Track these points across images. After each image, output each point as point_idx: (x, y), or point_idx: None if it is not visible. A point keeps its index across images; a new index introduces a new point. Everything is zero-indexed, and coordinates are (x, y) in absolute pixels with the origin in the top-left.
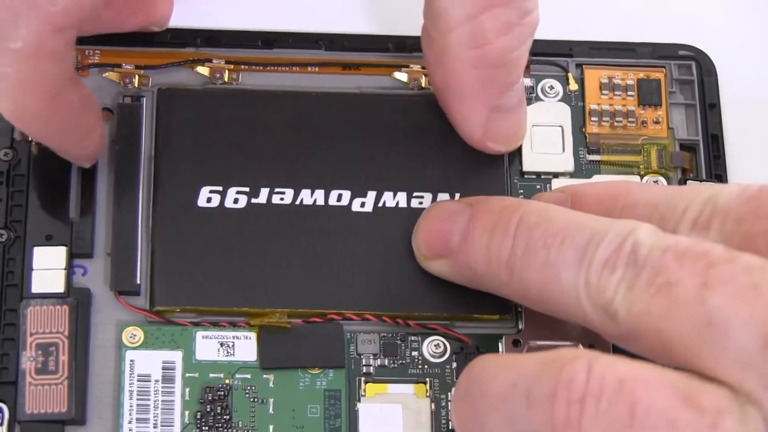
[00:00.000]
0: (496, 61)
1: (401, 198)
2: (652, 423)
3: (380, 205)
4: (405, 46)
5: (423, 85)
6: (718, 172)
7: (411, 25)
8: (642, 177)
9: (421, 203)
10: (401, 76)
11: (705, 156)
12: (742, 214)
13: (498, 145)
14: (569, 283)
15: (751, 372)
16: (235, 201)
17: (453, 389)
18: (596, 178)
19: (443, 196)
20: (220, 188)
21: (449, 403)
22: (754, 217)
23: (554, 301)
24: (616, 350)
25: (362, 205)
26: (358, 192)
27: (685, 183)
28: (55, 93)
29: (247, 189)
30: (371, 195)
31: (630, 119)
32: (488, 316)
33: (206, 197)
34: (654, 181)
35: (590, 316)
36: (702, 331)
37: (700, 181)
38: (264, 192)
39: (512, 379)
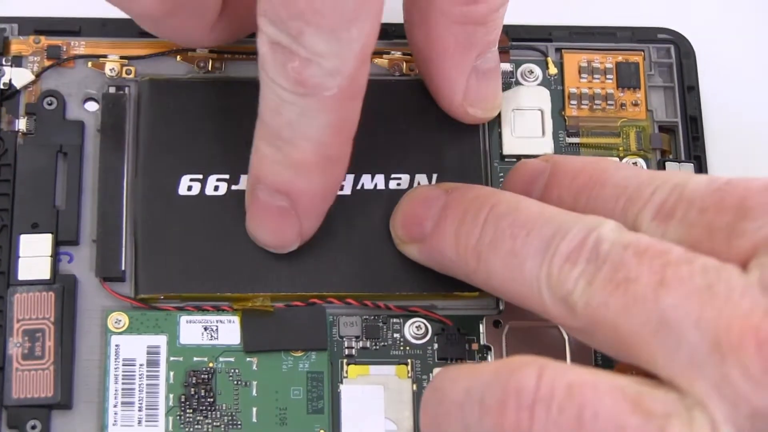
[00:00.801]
0: (480, 18)
1: (379, 180)
2: (601, 427)
3: (359, 187)
4: (387, 33)
5: (403, 71)
6: (696, 154)
7: (392, 13)
8: (621, 159)
9: (399, 185)
10: (382, 62)
11: (684, 138)
12: (706, 204)
13: (477, 110)
14: (531, 274)
15: (700, 374)
16: (216, 188)
17: None
18: None
19: (421, 178)
20: (200, 176)
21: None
22: (717, 209)
23: (516, 291)
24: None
25: (341, 188)
26: None
27: (664, 165)
28: None
29: (227, 176)
30: (350, 178)
31: (609, 102)
32: (468, 293)
33: (187, 185)
34: (633, 163)
35: (550, 307)
36: (655, 329)
37: (679, 162)
38: (244, 179)
39: (468, 387)
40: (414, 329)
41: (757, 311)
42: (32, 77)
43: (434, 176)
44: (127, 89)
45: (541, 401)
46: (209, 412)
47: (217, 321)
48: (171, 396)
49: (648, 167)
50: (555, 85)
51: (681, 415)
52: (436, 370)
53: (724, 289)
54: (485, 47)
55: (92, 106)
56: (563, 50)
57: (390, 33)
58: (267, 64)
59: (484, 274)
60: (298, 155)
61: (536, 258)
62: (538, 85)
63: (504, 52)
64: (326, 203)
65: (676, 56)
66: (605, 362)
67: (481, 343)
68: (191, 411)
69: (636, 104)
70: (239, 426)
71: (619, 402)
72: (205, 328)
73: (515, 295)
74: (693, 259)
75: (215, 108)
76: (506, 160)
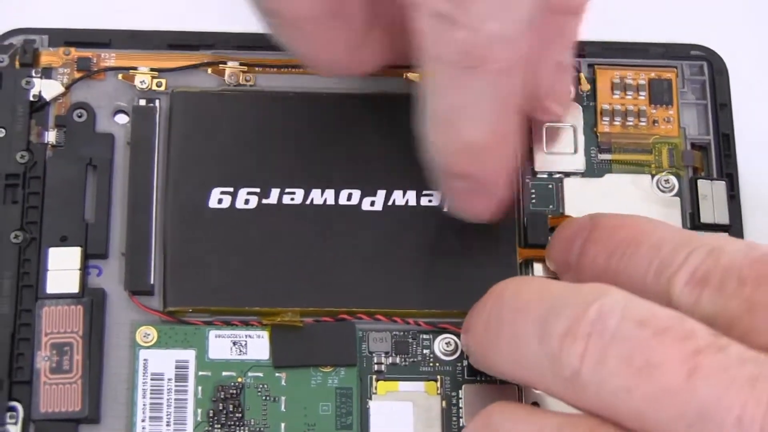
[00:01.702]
0: (576, 8)
1: (411, 196)
2: None
3: (390, 203)
4: None
5: None
6: (729, 171)
7: None
8: (653, 176)
9: (430, 201)
10: (414, 76)
11: (716, 155)
12: (744, 276)
13: (557, 106)
14: (533, 355)
15: None
16: (246, 202)
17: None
18: (607, 178)
19: None
20: (231, 189)
21: (460, 401)
22: (756, 283)
23: (523, 375)
24: None
25: (372, 204)
26: (368, 191)
27: (696, 183)
28: None
29: (257, 189)
30: (381, 194)
31: (641, 119)
32: None
33: (217, 198)
34: (665, 180)
35: (557, 389)
36: (691, 423)
37: (711, 180)
38: (275, 192)
39: None
40: (444, 345)
41: None
42: (62, 89)
43: None
44: (157, 102)
45: None
46: (237, 428)
47: (246, 336)
48: (199, 411)
49: (680, 184)
50: (587, 101)
51: None
52: (465, 387)
53: (766, 381)
54: (570, 40)
55: (122, 119)
56: (596, 66)
57: None
58: (429, 41)
59: (493, 364)
60: (468, 136)
61: (534, 339)
62: (571, 100)
63: None
64: (508, 176)
65: (709, 73)
66: None
67: None
68: (219, 426)
69: (668, 121)
70: None
71: None
72: (234, 343)
73: (525, 381)
74: (724, 347)
75: (246, 121)
76: (538, 176)
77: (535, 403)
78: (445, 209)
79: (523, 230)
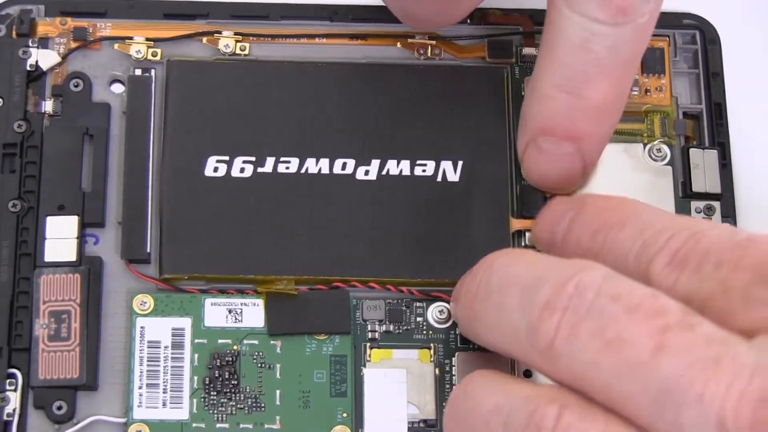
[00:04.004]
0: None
1: (405, 166)
2: None
3: (384, 173)
4: None
5: (429, 55)
6: (720, 140)
7: None
8: (645, 145)
9: (424, 171)
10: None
11: (708, 124)
12: (723, 258)
13: None
14: (513, 324)
15: None
16: (242, 170)
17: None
18: None
19: (446, 165)
20: (226, 158)
21: (453, 368)
22: (734, 266)
23: (503, 343)
24: None
25: (366, 173)
26: (363, 160)
27: (688, 151)
28: None
29: (253, 158)
30: (375, 163)
31: (633, 88)
32: None
33: (213, 166)
34: (657, 149)
35: (532, 357)
36: (654, 398)
37: (703, 149)
38: (270, 161)
39: (498, 404)
40: (437, 313)
41: None
42: (58, 59)
43: (460, 163)
44: (152, 71)
45: None
46: (233, 395)
47: (241, 304)
48: (195, 378)
49: (672, 153)
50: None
51: None
52: (458, 355)
53: (731, 364)
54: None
55: (118, 88)
56: None
57: None
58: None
59: (478, 333)
60: (598, 97)
61: (517, 309)
62: None
63: (528, 37)
64: (609, 137)
65: (701, 42)
66: None
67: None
68: (215, 393)
69: (660, 90)
70: (263, 408)
71: None
72: (230, 311)
73: (506, 350)
74: (694, 326)
75: (241, 90)
76: None
77: (528, 372)
78: (525, 174)
79: (517, 201)
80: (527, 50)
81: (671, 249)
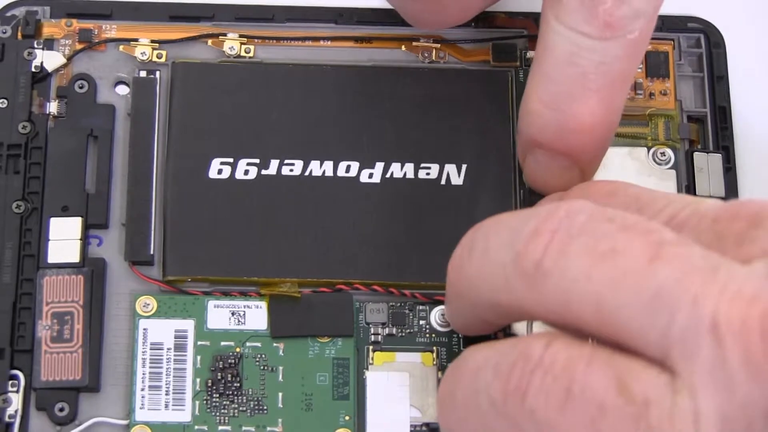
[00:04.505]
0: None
1: (408, 169)
2: (583, 404)
3: (388, 176)
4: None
5: (433, 58)
6: (725, 144)
7: None
8: (650, 149)
9: (428, 174)
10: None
11: (712, 128)
12: (719, 215)
13: None
14: (499, 260)
15: (694, 356)
16: (246, 172)
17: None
18: None
19: (450, 168)
20: (231, 160)
21: None
22: (730, 220)
23: (484, 286)
24: None
25: (370, 176)
26: (367, 163)
27: (692, 155)
28: None
29: (257, 160)
30: (379, 166)
31: (638, 91)
32: None
33: (217, 168)
34: (661, 153)
35: (518, 289)
36: (648, 303)
37: (707, 152)
38: (274, 163)
39: (486, 355)
40: (440, 317)
41: (762, 297)
42: (63, 60)
43: (464, 166)
44: (157, 73)
45: (540, 368)
46: (235, 397)
47: (244, 306)
48: (198, 380)
49: (676, 157)
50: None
51: (663, 402)
52: (471, 347)
53: (726, 272)
54: None
55: (123, 90)
56: None
57: None
58: (572, 12)
59: (462, 286)
60: (586, 114)
61: (504, 245)
62: None
63: (533, 40)
64: (605, 150)
65: (706, 46)
66: None
67: (507, 331)
68: (218, 395)
69: (665, 93)
70: (265, 411)
71: (607, 380)
72: (233, 313)
73: (483, 292)
74: (690, 244)
75: (246, 92)
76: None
77: None
78: (526, 181)
79: (521, 204)
80: (531, 54)
81: (668, 213)
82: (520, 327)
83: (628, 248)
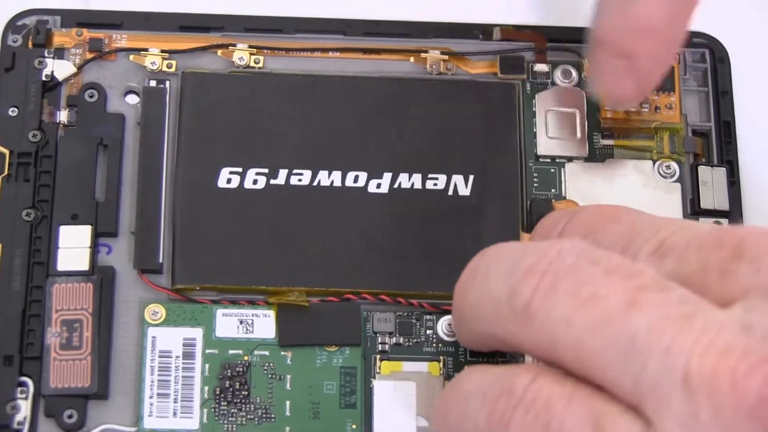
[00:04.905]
0: None
1: (416, 179)
2: None
3: (396, 186)
4: (425, 32)
5: (441, 70)
6: (729, 158)
7: (431, 11)
8: (655, 162)
9: (435, 185)
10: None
11: (717, 142)
12: (705, 242)
13: None
14: (496, 293)
15: (666, 407)
16: (254, 182)
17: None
18: (609, 163)
19: (458, 179)
20: (239, 169)
21: None
22: (714, 247)
23: (483, 317)
24: None
25: (378, 186)
26: (375, 174)
27: (697, 169)
28: None
29: (266, 170)
30: (387, 176)
31: (643, 105)
32: None
33: (226, 178)
34: (666, 166)
35: (508, 322)
36: (622, 351)
37: (712, 166)
38: (282, 173)
39: (479, 381)
40: (446, 326)
41: (735, 350)
42: (74, 70)
43: (471, 177)
44: (167, 83)
45: (522, 404)
46: (243, 405)
47: (252, 315)
48: (206, 388)
49: (681, 170)
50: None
51: None
52: (467, 368)
53: (701, 321)
54: None
55: (133, 99)
56: None
57: (428, 31)
58: None
59: (463, 314)
60: (647, 15)
61: (501, 279)
62: (574, 86)
63: (540, 53)
64: (664, 65)
65: (711, 61)
66: None
67: None
68: (226, 403)
69: (670, 108)
70: (273, 419)
71: (584, 421)
72: (241, 322)
73: (484, 327)
74: (670, 288)
75: (255, 102)
76: (541, 160)
77: None
78: (590, 89)
79: (526, 214)
80: (539, 66)
81: (658, 240)
82: None
83: (609, 294)
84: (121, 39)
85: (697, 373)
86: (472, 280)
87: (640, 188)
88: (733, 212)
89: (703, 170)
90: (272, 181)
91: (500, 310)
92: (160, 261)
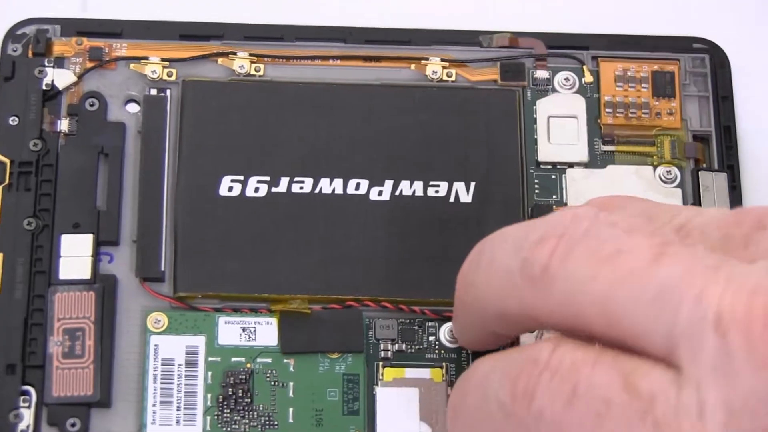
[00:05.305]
0: None
1: (418, 187)
2: (589, 400)
3: (397, 193)
4: (425, 40)
5: (442, 77)
6: (730, 163)
7: (431, 19)
8: (656, 167)
9: (437, 192)
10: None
11: (717, 147)
12: (724, 221)
13: None
14: (506, 268)
15: (698, 351)
16: (256, 190)
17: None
18: (610, 169)
19: (459, 186)
20: (241, 177)
21: None
22: (735, 225)
23: (493, 294)
24: None
25: (380, 193)
26: (376, 181)
27: (698, 174)
28: None
29: (267, 178)
30: (388, 184)
31: (644, 111)
32: None
33: (227, 186)
34: (667, 171)
35: (524, 294)
36: (652, 300)
37: (713, 171)
38: (284, 181)
39: (495, 361)
40: (449, 333)
41: (766, 288)
42: (74, 78)
43: (472, 184)
44: (168, 91)
45: (547, 370)
46: (246, 413)
47: (254, 322)
48: (209, 396)
49: (682, 176)
50: (591, 93)
51: (668, 397)
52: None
53: (730, 269)
54: None
55: (133, 108)
56: (599, 58)
57: (428, 39)
58: None
59: (470, 298)
60: None
61: (510, 254)
62: (574, 92)
63: (541, 60)
64: None
65: (711, 66)
66: None
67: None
68: (229, 411)
69: (671, 113)
70: (276, 426)
71: (613, 378)
72: (243, 329)
73: (490, 301)
74: (693, 244)
75: (256, 110)
76: (542, 166)
77: None
78: None
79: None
80: (539, 73)
81: (675, 224)
82: (527, 339)
83: (633, 248)
84: (122, 48)
85: (729, 313)
86: (477, 263)
87: (642, 194)
88: None
89: (704, 175)
90: (273, 189)
91: (513, 282)
92: (162, 269)
